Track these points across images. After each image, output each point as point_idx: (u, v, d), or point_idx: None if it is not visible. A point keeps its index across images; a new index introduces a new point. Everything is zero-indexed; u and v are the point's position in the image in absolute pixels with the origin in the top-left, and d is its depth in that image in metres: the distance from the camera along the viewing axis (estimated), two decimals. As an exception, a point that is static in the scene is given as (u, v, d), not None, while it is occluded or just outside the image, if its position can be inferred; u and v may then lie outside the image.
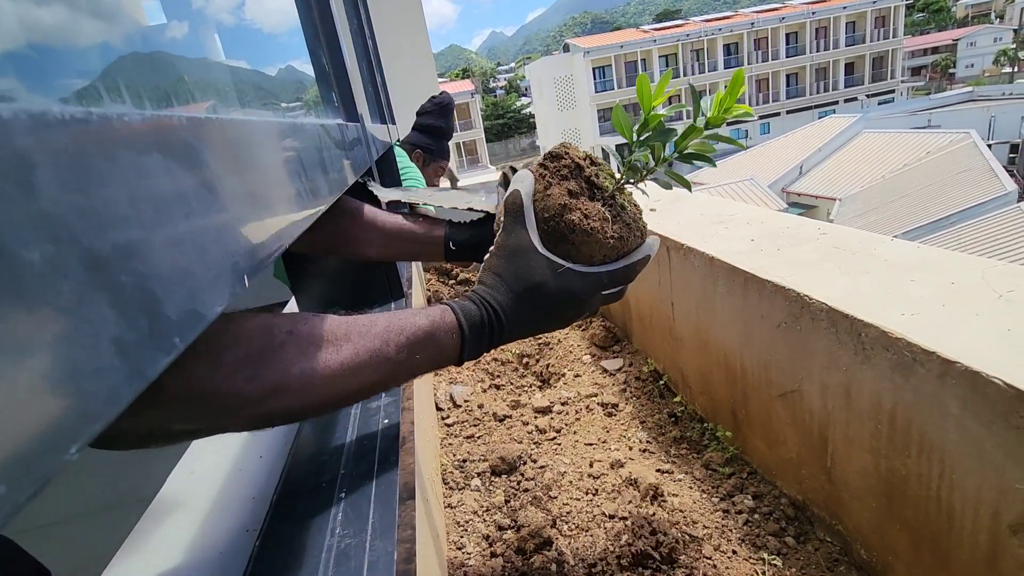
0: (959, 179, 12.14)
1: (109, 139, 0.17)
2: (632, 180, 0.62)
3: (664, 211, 1.69)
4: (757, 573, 0.99)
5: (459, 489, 1.32)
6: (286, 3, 0.94)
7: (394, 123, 2.96)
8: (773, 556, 1.01)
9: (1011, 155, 18.44)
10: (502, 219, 0.60)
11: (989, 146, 14.16)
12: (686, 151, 0.60)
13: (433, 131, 2.28)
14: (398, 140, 2.38)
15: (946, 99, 26.02)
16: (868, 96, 33.08)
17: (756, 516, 1.11)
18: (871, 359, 0.82)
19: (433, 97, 2.33)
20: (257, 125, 0.32)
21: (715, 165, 0.62)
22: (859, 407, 0.87)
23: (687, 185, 0.68)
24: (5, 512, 0.11)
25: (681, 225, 1.50)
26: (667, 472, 1.28)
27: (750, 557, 1.02)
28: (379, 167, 1.38)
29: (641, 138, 0.59)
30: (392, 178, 1.84)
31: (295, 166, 0.39)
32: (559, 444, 1.45)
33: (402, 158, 2.09)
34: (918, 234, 10.42)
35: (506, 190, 0.62)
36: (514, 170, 0.64)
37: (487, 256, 0.61)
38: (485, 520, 1.21)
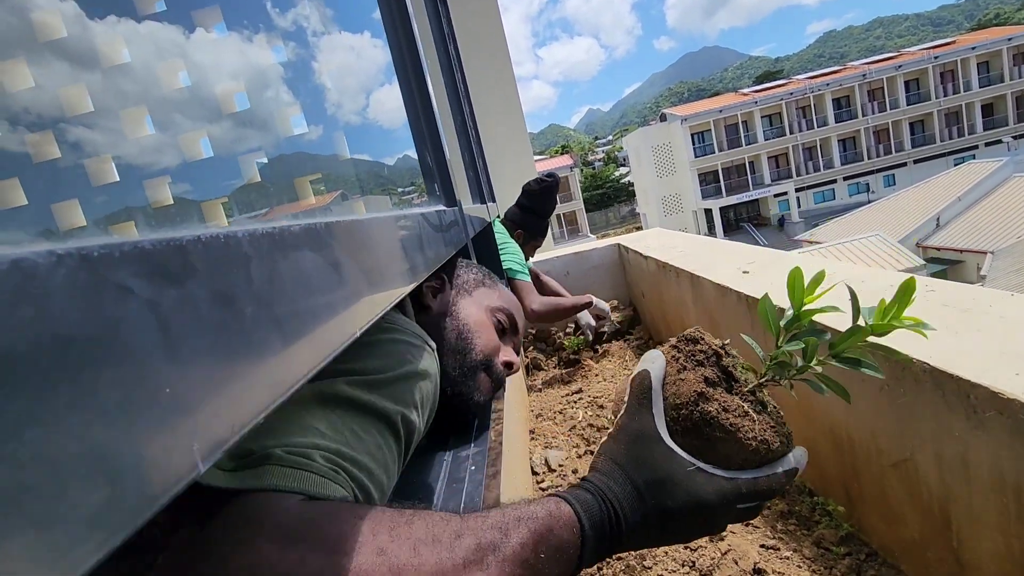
0: None
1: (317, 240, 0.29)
2: (778, 378, 0.55)
3: (757, 273, 1.66)
4: (878, 668, 0.89)
5: (552, 553, 1.33)
6: (401, 104, 1.13)
7: (493, 200, 3.20)
8: (898, 651, 0.90)
9: None
10: (625, 399, 0.55)
11: None
12: (844, 354, 0.52)
13: (534, 210, 2.42)
14: (498, 216, 2.57)
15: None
16: (1015, 138, 29.46)
17: (877, 604, 1.00)
18: (985, 424, 0.76)
19: (541, 178, 2.43)
20: (372, 221, 0.44)
21: (882, 375, 0.53)
22: (979, 479, 0.79)
23: (845, 396, 0.56)
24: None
25: (775, 286, 1.47)
26: (772, 548, 1.20)
27: (870, 649, 0.92)
28: (476, 242, 1.53)
29: (790, 334, 0.54)
30: (490, 251, 2.01)
31: (396, 248, 0.51)
32: (654, 513, 1.41)
33: (501, 234, 2.25)
34: (1101, 289, 8.80)
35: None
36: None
37: (604, 439, 0.54)
38: (577, 587, 1.20)
